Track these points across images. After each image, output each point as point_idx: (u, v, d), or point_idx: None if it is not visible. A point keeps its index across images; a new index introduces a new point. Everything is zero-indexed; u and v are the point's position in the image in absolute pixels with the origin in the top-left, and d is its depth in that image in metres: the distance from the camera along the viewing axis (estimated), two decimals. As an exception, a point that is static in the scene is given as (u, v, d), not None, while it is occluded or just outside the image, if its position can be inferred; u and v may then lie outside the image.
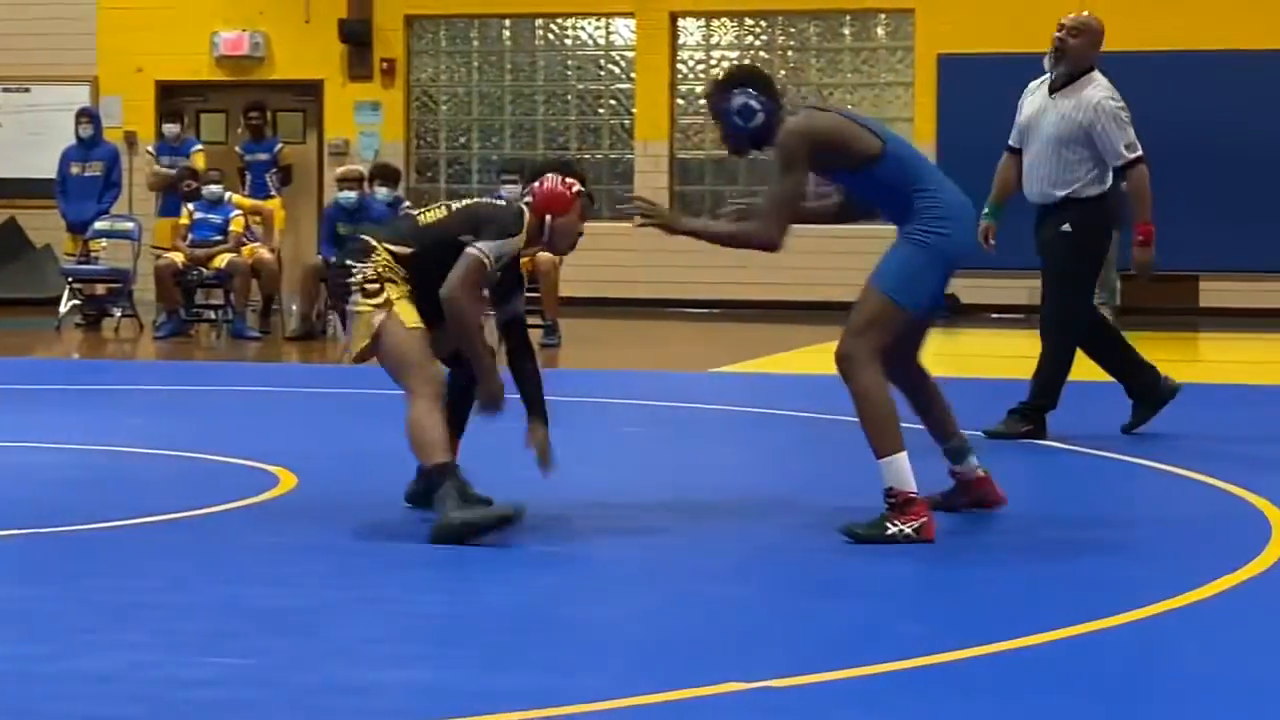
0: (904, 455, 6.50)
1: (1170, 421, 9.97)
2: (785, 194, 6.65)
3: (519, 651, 4.97)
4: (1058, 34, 9.35)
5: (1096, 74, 9.39)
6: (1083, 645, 5.09)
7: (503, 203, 7.17)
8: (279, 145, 18.64)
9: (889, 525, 6.47)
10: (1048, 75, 9.46)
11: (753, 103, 6.69)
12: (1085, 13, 9.59)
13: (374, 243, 6.86)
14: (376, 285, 6.75)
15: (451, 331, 6.83)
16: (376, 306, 6.72)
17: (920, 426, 7.08)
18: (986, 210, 9.42)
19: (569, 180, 7.04)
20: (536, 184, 7.05)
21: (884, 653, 4.94)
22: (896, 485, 6.48)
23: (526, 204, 7.02)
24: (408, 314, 6.74)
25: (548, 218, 6.97)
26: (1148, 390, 9.58)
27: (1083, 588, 5.91)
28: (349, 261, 6.84)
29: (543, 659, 4.89)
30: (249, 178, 17.77)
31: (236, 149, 18.94)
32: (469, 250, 6.75)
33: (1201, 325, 19.04)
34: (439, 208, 7.07)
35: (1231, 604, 5.67)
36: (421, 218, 7.00)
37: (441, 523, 6.47)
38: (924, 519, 6.48)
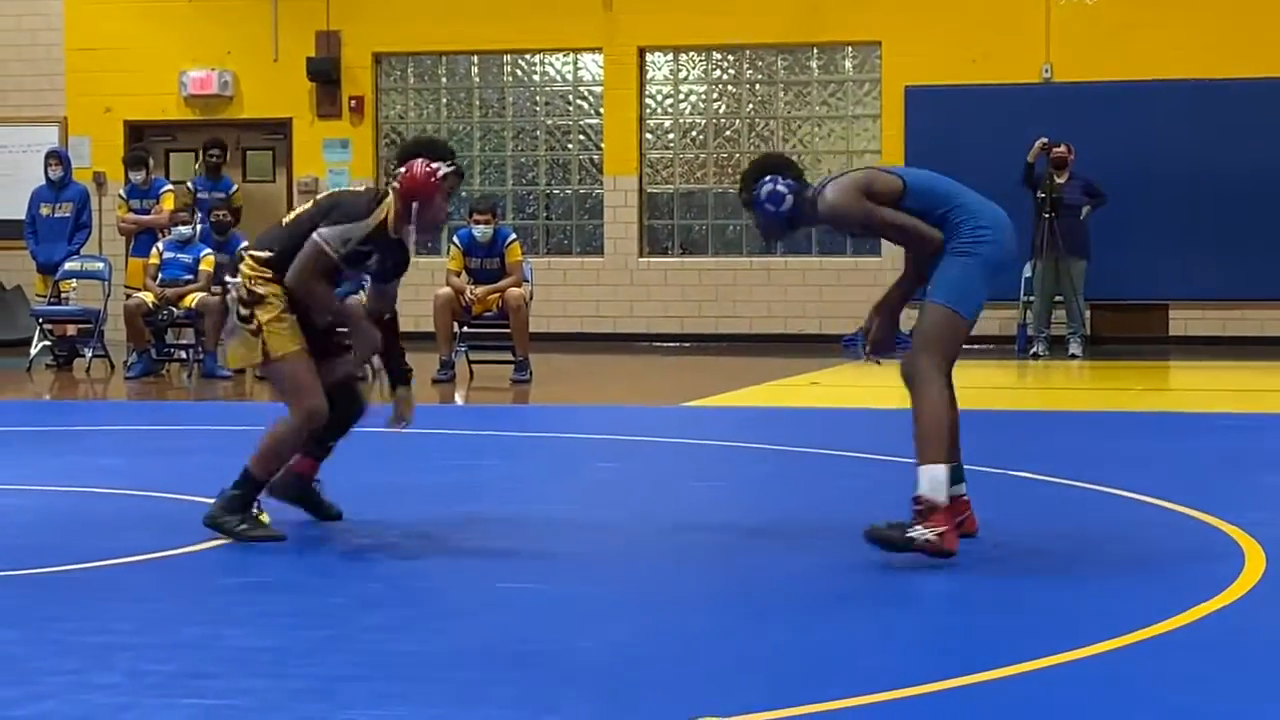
0: (943, 468, 6.71)
1: (1141, 450, 9.99)
2: (900, 220, 6.90)
3: (492, 688, 4.96)
4: None
5: None
6: (1051, 678, 5.09)
7: (362, 189, 7.44)
8: (234, 188, 18.57)
9: (912, 531, 6.62)
10: None
11: (779, 187, 7.00)
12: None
13: (241, 253, 7.27)
14: (248, 312, 7.08)
15: (313, 312, 7.14)
16: (251, 333, 7.08)
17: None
18: None
19: (434, 166, 7.14)
20: (404, 169, 7.17)
21: (852, 686, 4.94)
22: (927, 493, 6.65)
23: (393, 189, 7.16)
24: (279, 341, 7.09)
25: (414, 204, 7.12)
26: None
27: (1051, 619, 5.92)
28: (225, 278, 7.32)
29: (516, 695, 4.89)
30: (198, 215, 17.37)
31: (189, 184, 18.81)
32: (311, 236, 7.04)
33: (1172, 354, 19.10)
34: (307, 203, 7.33)
35: (1204, 634, 5.68)
36: (287, 218, 7.33)
37: (213, 515, 7.13)
38: (945, 528, 6.63)
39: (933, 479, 6.68)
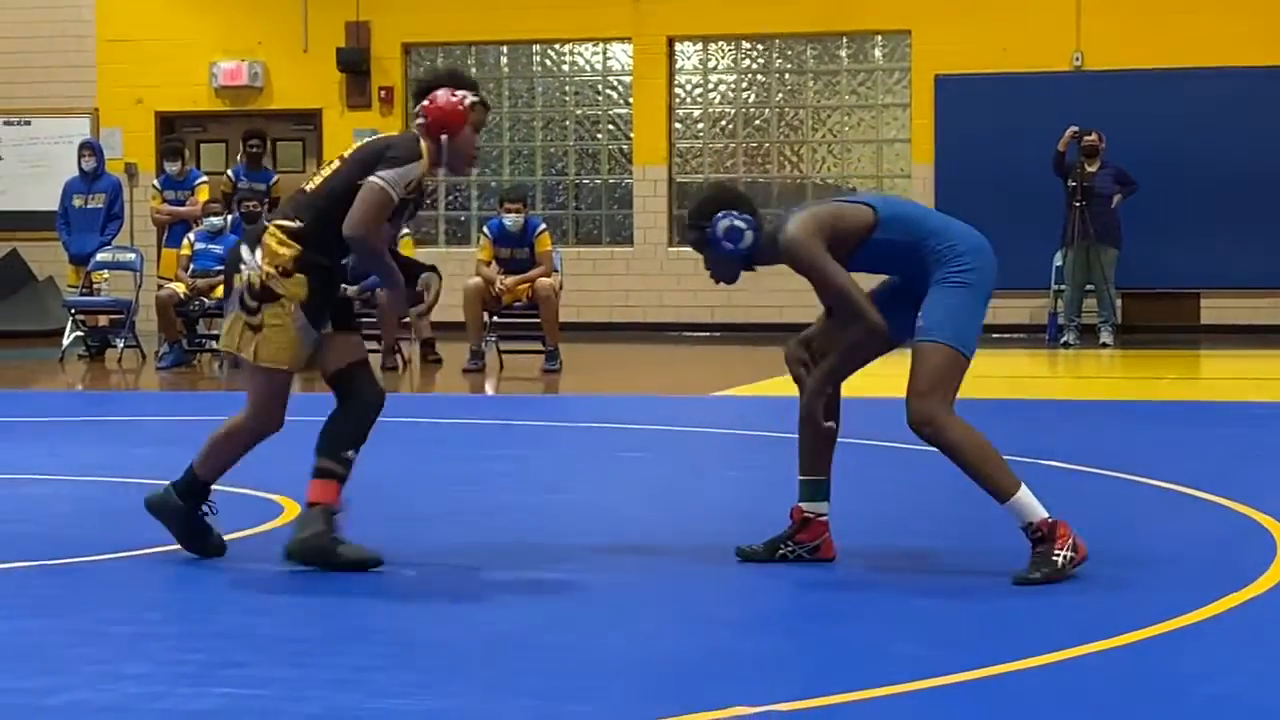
0: (1024, 489, 6.33)
1: (1173, 439, 9.95)
2: (843, 283, 6.39)
3: (518, 679, 4.97)
4: None
5: None
6: (1085, 666, 5.08)
7: (396, 134, 6.82)
8: (275, 179, 18.56)
9: (1055, 557, 6.28)
10: None
11: (737, 222, 6.50)
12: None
13: (266, 225, 6.70)
14: (255, 304, 6.59)
15: (361, 262, 6.65)
16: (250, 326, 6.61)
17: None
18: None
19: (459, 92, 6.73)
20: (427, 101, 6.72)
21: (886, 675, 4.94)
22: (1034, 520, 6.31)
23: (419, 126, 6.72)
24: (273, 350, 6.59)
25: (444, 138, 6.69)
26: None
27: (1085, 607, 5.91)
28: (243, 250, 6.69)
29: (542, 686, 4.89)
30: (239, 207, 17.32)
31: (228, 173, 18.83)
32: (370, 180, 6.50)
33: (1203, 342, 19.05)
34: (328, 164, 6.78)
35: (1237, 623, 5.67)
36: (310, 184, 6.73)
37: (158, 496, 6.82)
38: (1071, 537, 6.31)
39: (1023, 507, 6.33)
